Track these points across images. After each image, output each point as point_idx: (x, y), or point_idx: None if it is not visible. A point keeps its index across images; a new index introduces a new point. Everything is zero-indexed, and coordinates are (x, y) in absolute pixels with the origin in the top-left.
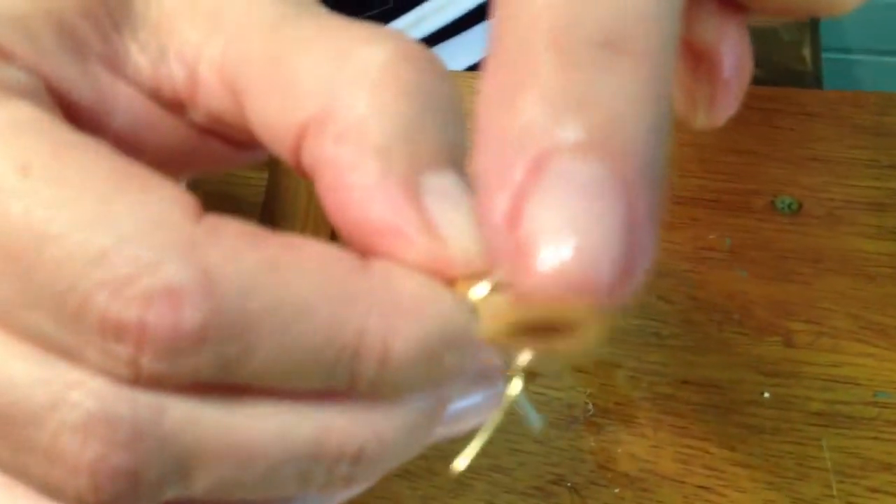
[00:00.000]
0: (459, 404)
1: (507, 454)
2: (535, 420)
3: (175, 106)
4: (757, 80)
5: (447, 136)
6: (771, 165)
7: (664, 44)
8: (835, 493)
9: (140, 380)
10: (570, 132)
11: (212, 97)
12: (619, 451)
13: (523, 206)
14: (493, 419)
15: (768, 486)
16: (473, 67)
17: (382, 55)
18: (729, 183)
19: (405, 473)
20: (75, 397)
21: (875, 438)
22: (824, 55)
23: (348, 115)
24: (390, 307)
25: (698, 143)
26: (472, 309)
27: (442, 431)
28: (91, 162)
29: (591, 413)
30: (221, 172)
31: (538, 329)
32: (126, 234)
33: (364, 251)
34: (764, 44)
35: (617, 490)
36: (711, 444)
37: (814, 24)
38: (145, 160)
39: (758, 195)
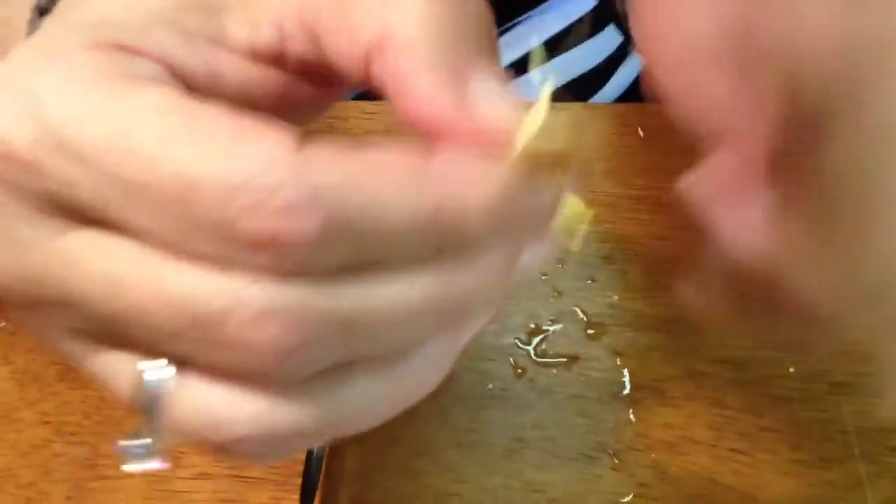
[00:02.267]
0: (526, 255)
1: (555, 426)
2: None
3: (271, 60)
4: None
5: (481, 44)
6: None
7: None
8: (856, 452)
9: (289, 276)
10: None
11: (298, 45)
12: (657, 421)
13: None
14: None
15: (795, 447)
16: None
17: None
18: None
19: (463, 444)
20: (245, 298)
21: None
22: None
23: (401, 37)
24: (456, 183)
25: None
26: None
27: (517, 277)
28: (215, 122)
29: (629, 389)
30: (319, 117)
31: (548, 162)
32: (252, 171)
33: (432, 143)
34: None
35: (654, 455)
36: (742, 413)
37: None
38: (256, 112)
39: None
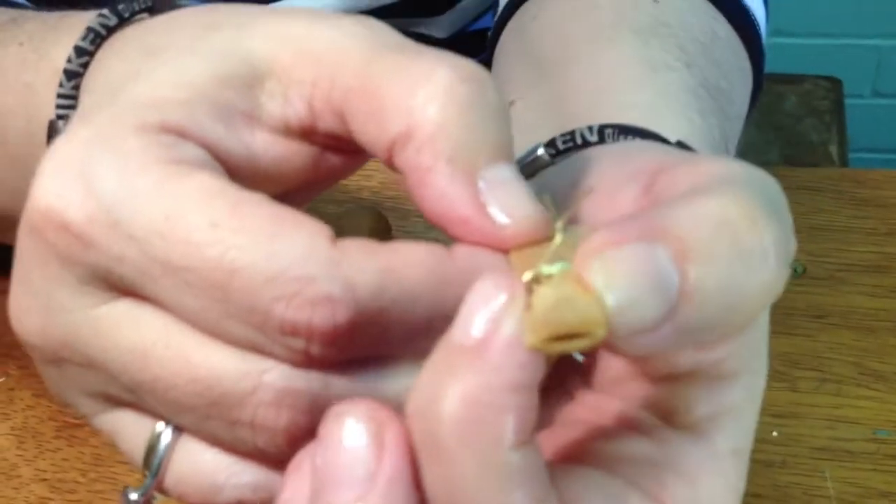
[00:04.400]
0: None
1: None
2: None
3: (302, 133)
4: None
5: (498, 137)
6: None
7: None
8: None
9: (312, 363)
10: None
11: (326, 122)
12: None
13: None
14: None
15: None
16: None
17: (444, 81)
18: None
19: None
20: (268, 380)
21: (874, 470)
22: (851, 155)
23: (422, 132)
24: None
25: None
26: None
27: None
28: (257, 212)
29: None
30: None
31: (563, 337)
32: (288, 263)
33: (449, 236)
34: (792, 144)
35: None
36: None
37: (840, 124)
38: (288, 184)
39: None
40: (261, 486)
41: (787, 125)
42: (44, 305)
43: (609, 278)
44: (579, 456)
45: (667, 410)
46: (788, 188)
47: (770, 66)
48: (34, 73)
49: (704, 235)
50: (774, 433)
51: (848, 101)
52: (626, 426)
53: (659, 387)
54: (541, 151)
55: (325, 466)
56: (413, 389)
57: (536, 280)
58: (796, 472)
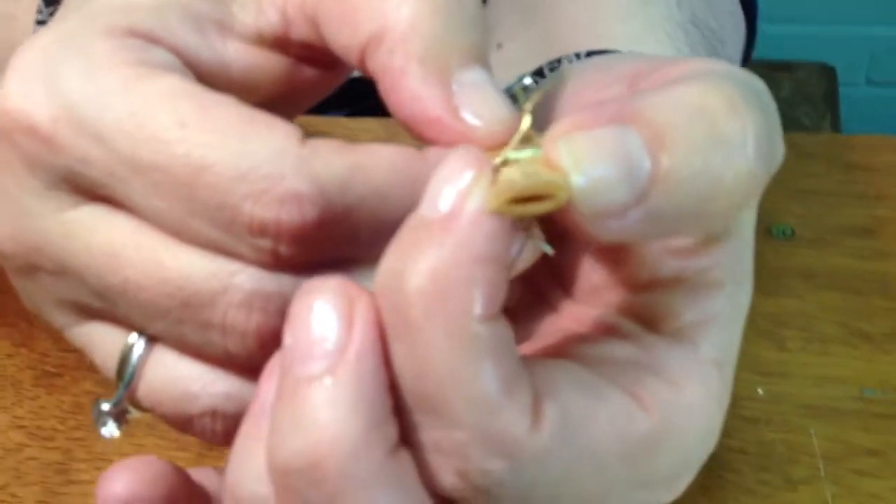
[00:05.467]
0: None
1: None
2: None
3: (275, 44)
4: None
5: (471, 41)
6: (767, 199)
7: None
8: (823, 474)
9: (280, 264)
10: None
11: (300, 30)
12: None
13: None
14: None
15: (761, 468)
16: None
17: None
18: None
19: None
20: (237, 281)
21: (861, 428)
22: None
23: (395, 33)
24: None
25: None
26: (488, 180)
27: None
28: (227, 112)
29: None
30: (316, 102)
31: (527, 199)
32: (258, 160)
33: (421, 138)
34: (786, 130)
35: None
36: None
37: (834, 112)
38: (261, 97)
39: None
40: (234, 395)
41: (781, 112)
42: (14, 212)
43: (576, 160)
44: (560, 356)
45: (650, 317)
46: None
47: (764, 53)
48: (14, 2)
49: (681, 121)
50: (760, 391)
51: (842, 89)
52: (608, 332)
53: (642, 294)
54: (528, 80)
55: (295, 342)
56: (380, 267)
57: (504, 164)
58: (782, 430)
